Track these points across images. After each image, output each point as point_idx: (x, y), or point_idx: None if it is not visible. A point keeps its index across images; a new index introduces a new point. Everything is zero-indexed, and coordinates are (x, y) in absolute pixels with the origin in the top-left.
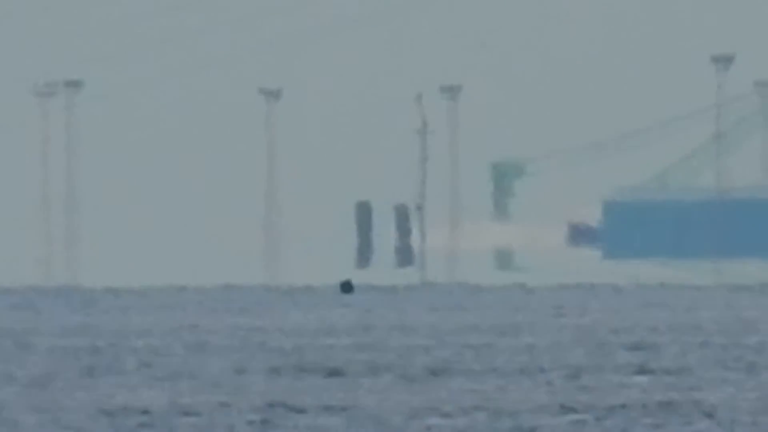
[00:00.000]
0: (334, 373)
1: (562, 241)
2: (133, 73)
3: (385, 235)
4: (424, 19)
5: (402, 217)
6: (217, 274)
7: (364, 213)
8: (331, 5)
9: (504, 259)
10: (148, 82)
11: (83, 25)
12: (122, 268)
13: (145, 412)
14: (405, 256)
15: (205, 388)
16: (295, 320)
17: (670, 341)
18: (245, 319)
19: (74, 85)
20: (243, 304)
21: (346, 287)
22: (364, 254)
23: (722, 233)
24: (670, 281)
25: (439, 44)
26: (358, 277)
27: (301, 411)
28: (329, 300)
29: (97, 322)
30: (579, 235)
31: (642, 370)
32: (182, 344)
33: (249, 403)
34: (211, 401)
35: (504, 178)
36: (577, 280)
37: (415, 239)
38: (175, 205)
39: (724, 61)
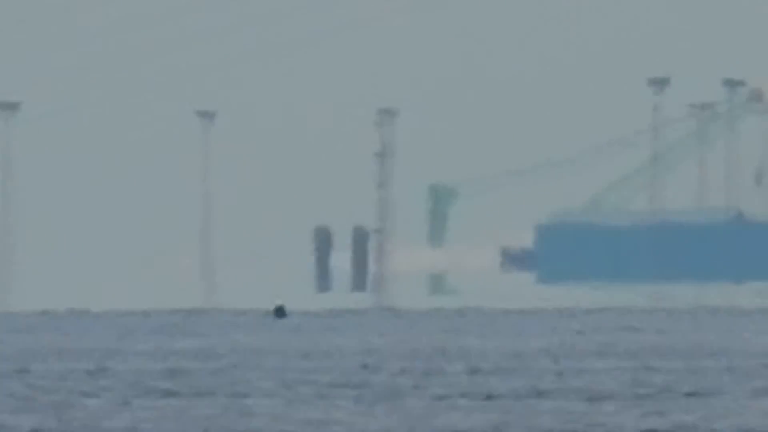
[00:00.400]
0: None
1: (496, 264)
2: (70, 96)
3: (343, 259)
4: (363, 44)
5: (359, 241)
6: (154, 297)
7: (322, 237)
8: (270, 28)
9: (437, 283)
10: (84, 104)
11: (20, 48)
12: (56, 292)
13: None
14: (360, 280)
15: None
16: (228, 342)
17: (609, 366)
18: (152, 344)
19: (10, 107)
20: (167, 328)
21: (280, 312)
22: (323, 278)
23: (656, 257)
24: (604, 305)
25: (376, 69)
26: (317, 302)
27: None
28: (266, 324)
29: (31, 345)
30: (512, 259)
31: (591, 397)
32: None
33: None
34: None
35: (439, 202)
36: (510, 304)
37: (372, 263)
38: (112, 228)
39: (659, 83)
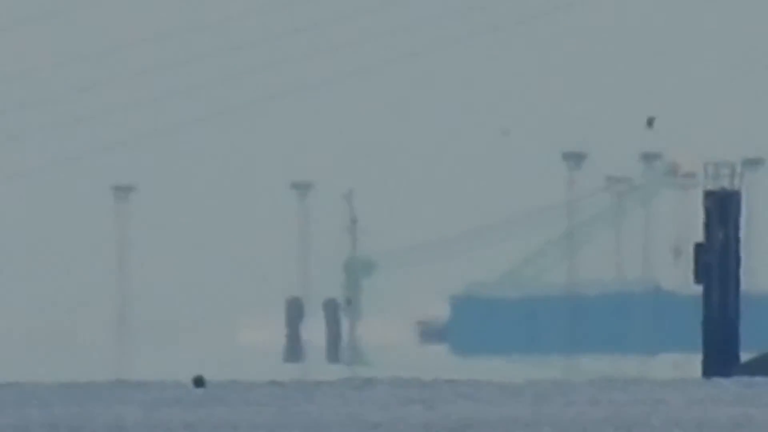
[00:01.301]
0: None
1: (412, 337)
2: None
3: (316, 330)
4: (278, 118)
5: (331, 312)
6: (69, 368)
7: (294, 308)
8: (183, 103)
9: (354, 354)
10: None
11: None
12: None
13: None
14: (334, 351)
15: None
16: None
17: None
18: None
19: None
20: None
21: (199, 382)
22: (294, 349)
23: (572, 329)
24: (519, 378)
25: (291, 141)
26: (287, 372)
27: None
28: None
29: None
30: (428, 331)
31: None
32: None
33: None
34: None
35: (354, 274)
36: (425, 376)
37: (345, 334)
38: (31, 302)
39: (575, 158)
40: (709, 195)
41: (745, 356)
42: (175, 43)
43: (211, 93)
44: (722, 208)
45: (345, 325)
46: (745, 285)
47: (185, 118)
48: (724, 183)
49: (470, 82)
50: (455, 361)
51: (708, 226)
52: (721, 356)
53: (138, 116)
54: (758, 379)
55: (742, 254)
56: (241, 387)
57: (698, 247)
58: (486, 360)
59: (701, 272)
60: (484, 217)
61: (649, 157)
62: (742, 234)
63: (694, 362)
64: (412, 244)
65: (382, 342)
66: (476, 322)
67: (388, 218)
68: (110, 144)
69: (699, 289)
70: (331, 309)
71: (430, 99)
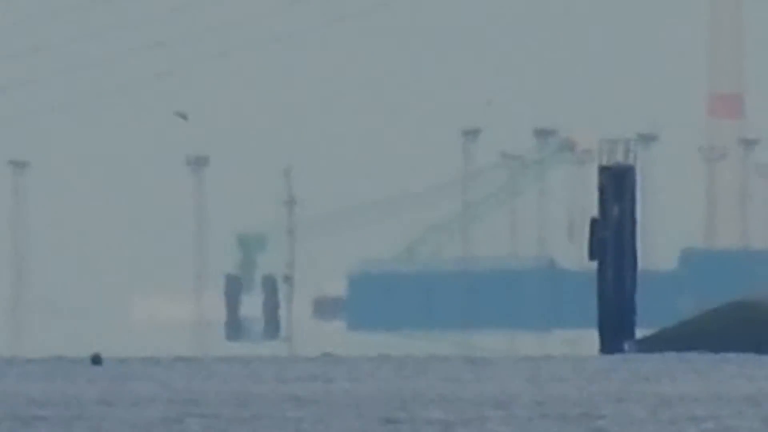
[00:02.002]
0: None
1: (309, 312)
2: None
3: (254, 307)
4: (175, 92)
5: (270, 289)
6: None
7: (233, 286)
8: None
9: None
10: None
11: None
12: None
13: None
14: (272, 328)
15: None
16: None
17: (414, 415)
18: None
19: None
20: None
21: (96, 360)
22: (234, 327)
23: (467, 305)
24: (415, 353)
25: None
26: (228, 350)
27: None
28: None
29: None
30: (324, 307)
31: None
32: None
33: None
34: None
35: (249, 250)
36: (320, 352)
37: (282, 311)
38: None
39: (471, 134)
40: (603, 171)
41: (641, 333)
42: (75, 18)
43: (105, 69)
44: (617, 184)
45: (248, 302)
46: (640, 261)
47: (82, 94)
48: (619, 158)
49: (367, 58)
50: (351, 337)
51: (603, 202)
52: (616, 333)
53: (34, 92)
54: (653, 355)
55: (638, 230)
56: (137, 363)
57: (593, 223)
58: (382, 336)
59: (596, 248)
60: (381, 193)
61: (543, 134)
62: (636, 210)
63: (590, 339)
64: (308, 219)
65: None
66: (372, 298)
67: (282, 193)
68: (5, 119)
69: (594, 265)
70: (269, 286)
71: (327, 76)
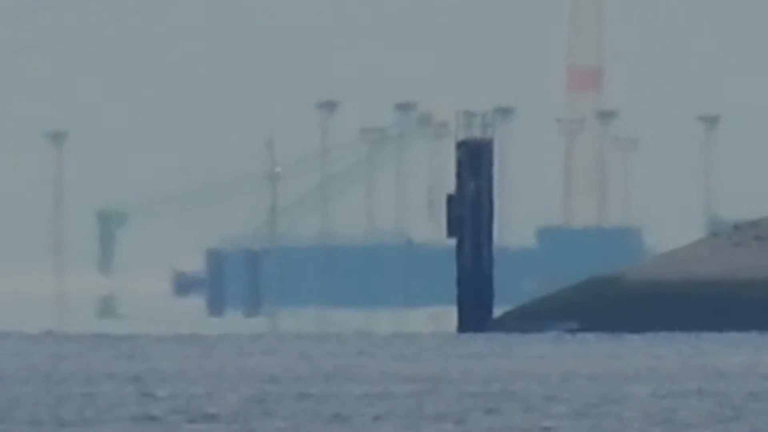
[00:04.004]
0: None
1: (168, 289)
2: None
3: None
4: (30, 67)
5: (251, 264)
6: None
7: (215, 260)
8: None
9: (107, 307)
10: None
11: None
12: None
13: None
14: (254, 304)
15: None
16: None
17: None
18: None
19: None
20: None
21: None
22: (216, 302)
23: (325, 281)
24: (275, 329)
25: (45, 90)
26: (210, 327)
27: None
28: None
29: None
30: (183, 283)
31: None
32: None
33: None
34: None
35: (108, 225)
36: (179, 329)
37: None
38: None
39: (329, 107)
40: (461, 145)
41: (499, 311)
42: None
43: None
44: (474, 159)
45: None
46: (498, 238)
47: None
48: (476, 132)
49: (223, 31)
50: (209, 315)
51: (460, 177)
52: (475, 311)
53: None
54: (512, 333)
55: (496, 206)
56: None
57: (450, 199)
58: (241, 313)
59: (454, 225)
60: (240, 168)
61: (402, 107)
62: (494, 185)
63: (449, 316)
64: (167, 195)
65: (137, 294)
66: (231, 274)
67: (142, 169)
68: None
69: (452, 242)
70: (251, 261)
71: (186, 50)
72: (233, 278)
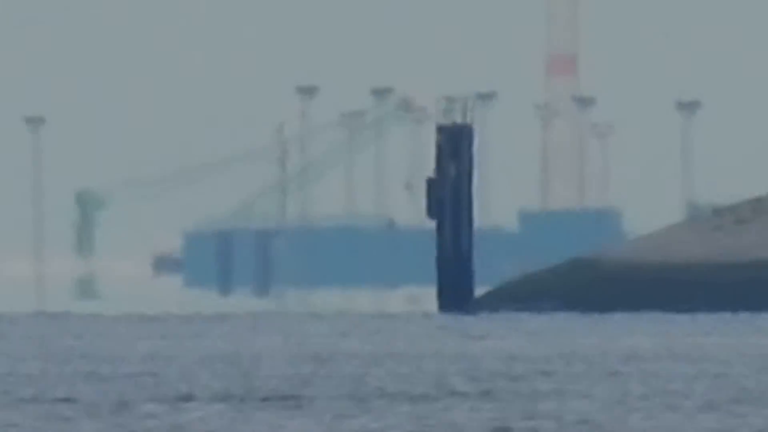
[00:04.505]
0: None
1: (148, 270)
2: None
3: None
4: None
5: (262, 245)
6: None
7: (223, 241)
8: None
9: (86, 288)
10: None
11: None
12: None
13: None
14: (263, 285)
15: None
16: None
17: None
18: None
19: None
20: None
21: None
22: (225, 282)
23: (307, 263)
24: (255, 309)
25: (23, 75)
26: (219, 306)
27: None
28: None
29: None
30: (163, 264)
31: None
32: None
33: None
34: None
35: (87, 208)
36: (158, 309)
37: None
38: None
39: (308, 92)
40: (441, 129)
41: (479, 291)
42: None
43: None
44: (454, 143)
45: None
46: (478, 220)
47: None
48: (456, 117)
49: (201, 13)
50: (189, 295)
51: (440, 161)
52: (455, 291)
53: None
54: (492, 313)
55: (475, 189)
56: None
57: (430, 182)
58: (221, 293)
59: (434, 207)
60: (219, 151)
61: (381, 92)
62: (474, 169)
63: (430, 297)
64: (147, 178)
65: (117, 275)
66: (209, 255)
67: (121, 152)
68: None
69: (432, 224)
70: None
71: (163, 33)
72: (210, 258)
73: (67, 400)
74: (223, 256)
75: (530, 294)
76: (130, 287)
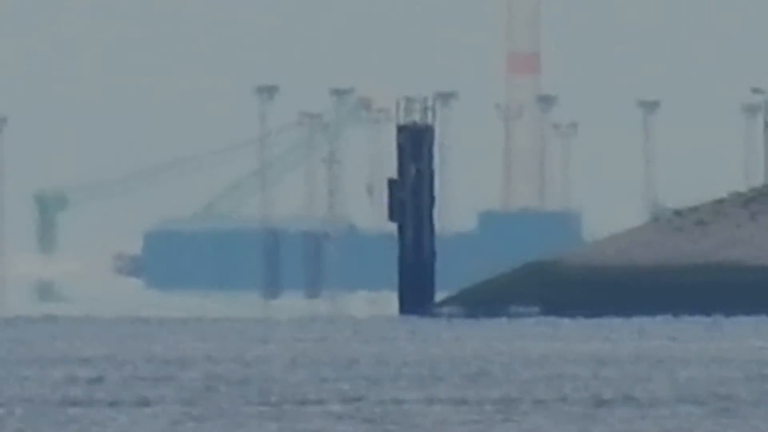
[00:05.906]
0: None
1: (108, 271)
2: None
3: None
4: None
5: (311, 246)
6: None
7: (271, 241)
8: None
9: (46, 290)
10: None
11: None
12: None
13: None
14: (314, 286)
15: None
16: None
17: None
18: None
19: None
20: None
21: None
22: (273, 284)
23: (266, 266)
24: (212, 313)
25: None
26: (265, 310)
27: None
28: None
29: None
30: (123, 265)
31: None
32: None
33: None
34: None
35: (47, 209)
36: (120, 311)
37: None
38: None
39: (267, 91)
40: (401, 130)
41: (441, 295)
42: None
43: None
44: (415, 144)
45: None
46: (440, 223)
47: None
48: (417, 118)
49: (163, 14)
50: (150, 296)
51: (401, 162)
52: (416, 295)
53: None
54: (453, 318)
55: (437, 191)
56: None
57: (391, 184)
58: (181, 295)
59: (395, 210)
60: (179, 151)
61: (340, 93)
62: (435, 170)
63: (390, 300)
64: (106, 178)
65: (77, 277)
66: (171, 257)
67: (80, 152)
68: None
69: (394, 227)
70: (311, 242)
71: (123, 33)
72: (170, 259)
73: None
74: (183, 257)
75: (491, 297)
76: (90, 289)
